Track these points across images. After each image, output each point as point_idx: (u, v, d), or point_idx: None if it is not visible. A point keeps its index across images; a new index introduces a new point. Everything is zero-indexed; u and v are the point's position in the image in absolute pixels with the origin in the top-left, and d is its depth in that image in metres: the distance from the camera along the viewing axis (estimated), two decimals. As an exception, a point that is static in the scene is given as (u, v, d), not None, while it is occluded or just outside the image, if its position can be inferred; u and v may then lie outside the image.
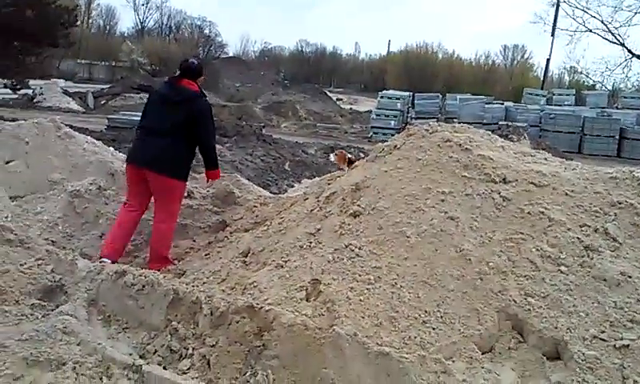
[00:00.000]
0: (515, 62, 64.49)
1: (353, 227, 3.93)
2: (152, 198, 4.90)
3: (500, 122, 26.46)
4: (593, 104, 29.53)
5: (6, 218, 5.02)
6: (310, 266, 3.73)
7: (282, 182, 8.32)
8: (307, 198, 4.85)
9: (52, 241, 4.94)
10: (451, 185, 4.01)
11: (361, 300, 3.42)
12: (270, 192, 7.06)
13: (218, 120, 13.34)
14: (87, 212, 5.27)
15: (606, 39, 36.87)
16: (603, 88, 36.39)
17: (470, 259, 3.59)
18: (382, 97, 27.50)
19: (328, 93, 44.55)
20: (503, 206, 3.88)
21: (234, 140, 11.69)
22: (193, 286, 3.76)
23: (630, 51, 36.53)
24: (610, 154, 23.47)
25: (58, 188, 5.41)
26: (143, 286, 3.64)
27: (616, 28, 35.82)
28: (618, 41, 36.55)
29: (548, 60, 40.07)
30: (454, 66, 58.60)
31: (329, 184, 4.89)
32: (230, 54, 53.53)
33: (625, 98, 31.38)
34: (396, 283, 3.50)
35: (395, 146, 4.50)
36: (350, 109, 41.56)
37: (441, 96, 29.50)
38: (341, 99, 46.32)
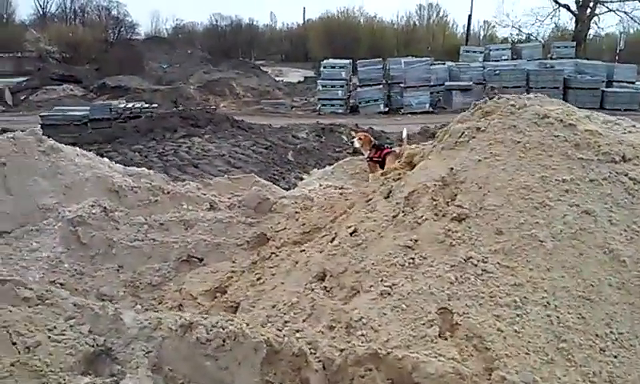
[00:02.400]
0: (432, 20, 64.74)
1: (463, 234, 3.24)
2: None
3: (446, 83, 26.30)
4: (528, 56, 29.87)
5: (-5, 261, 4.01)
6: (429, 290, 3.01)
7: (288, 175, 7.50)
8: (370, 199, 4.10)
9: (60, 283, 4.00)
10: (569, 170, 3.37)
11: (515, 331, 2.75)
12: (280, 187, 6.24)
13: (186, 109, 12.22)
14: (96, 241, 4.32)
15: (533, -10, 37.49)
16: (536, 39, 37.02)
17: (623, 261, 2.98)
18: (324, 67, 26.66)
19: (262, 68, 43.20)
20: (635, 190, 3.28)
21: (209, 130, 10.68)
22: (284, 335, 2.97)
23: (555, 1, 37.27)
24: (557, 105, 23.76)
25: (52, 216, 4.41)
26: (223, 341, 2.83)
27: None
28: (545, -9, 37.16)
29: (470, 16, 40.31)
30: (376, 30, 58.21)
31: (394, 180, 4.15)
32: (142, 34, 50.97)
33: (557, 47, 31.91)
34: (548, 303, 2.86)
35: (478, 128, 3.80)
36: (282, 81, 40.52)
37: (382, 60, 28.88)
38: (266, 72, 45.06)
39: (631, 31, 43.03)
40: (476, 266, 3.06)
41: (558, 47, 31.86)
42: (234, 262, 4.35)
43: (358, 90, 26.48)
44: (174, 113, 11.61)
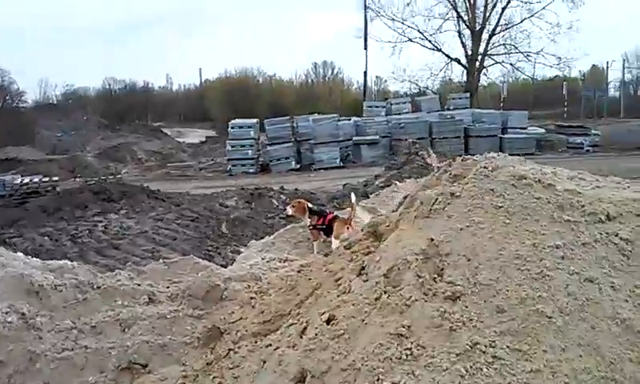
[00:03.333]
0: (327, 77, 66.54)
1: (462, 316, 2.90)
2: None
3: (354, 138, 26.75)
4: (427, 109, 31.21)
5: None
6: (438, 387, 2.62)
7: (224, 249, 6.90)
8: (339, 277, 3.69)
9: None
10: (559, 234, 3.15)
11: (545, 427, 2.40)
12: (216, 264, 5.70)
13: (97, 182, 11.20)
14: (14, 357, 3.57)
15: (425, 47, 39.63)
16: (431, 92, 38.89)
17: (638, 332, 2.75)
18: (231, 127, 26.39)
19: (163, 130, 42.27)
20: (630, 251, 3.11)
21: (124, 204, 9.85)
22: None
23: (447, 55, 39.55)
24: (461, 154, 24.80)
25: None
26: None
27: (431, 34, 38.61)
28: (435, 47, 39.42)
29: (365, 72, 41.80)
30: (275, 88, 58.96)
31: (363, 254, 3.78)
32: (30, 102, 48.59)
33: (453, 98, 33.61)
34: (572, 389, 2.54)
35: (452, 194, 3.53)
36: (184, 142, 39.79)
37: (290, 118, 29.02)
38: (168, 134, 44.20)
39: (510, 80, 46.35)
40: (484, 352, 2.71)
41: (454, 98, 33.56)
42: (184, 364, 3.75)
43: (268, 148, 26.38)
44: (83, 187, 10.66)
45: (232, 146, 25.07)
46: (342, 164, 25.37)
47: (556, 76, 43.31)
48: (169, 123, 52.33)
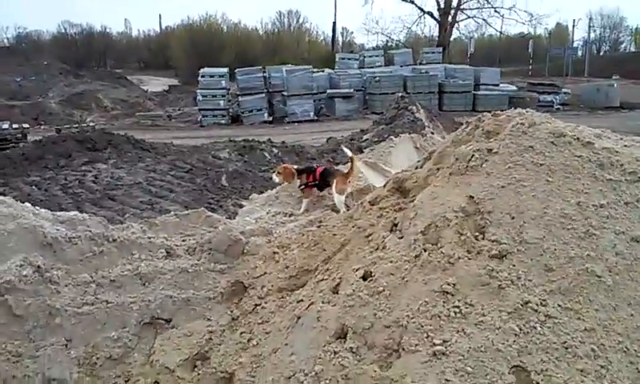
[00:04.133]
0: (292, 27, 65.26)
1: (509, 274, 2.87)
2: None
3: (328, 91, 26.45)
4: (401, 63, 31.01)
5: None
6: (493, 345, 2.61)
7: (225, 202, 6.71)
8: (370, 234, 3.63)
9: (-9, 373, 3.10)
10: (602, 194, 3.14)
11: (607, 387, 2.42)
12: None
13: (81, 130, 10.70)
14: (32, 311, 3.43)
15: (397, -2, 39.04)
16: (403, 45, 38.64)
17: (686, 290, 2.77)
18: (202, 76, 25.72)
19: (128, 77, 41.00)
20: (671, 211, 3.12)
21: (110, 153, 9.47)
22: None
23: (420, 8, 39.21)
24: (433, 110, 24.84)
25: (-32, 284, 3.43)
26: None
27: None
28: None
29: (334, 23, 41.26)
30: (241, 36, 57.56)
31: (394, 210, 3.72)
32: None
33: (426, 53, 33.47)
34: (627, 348, 2.57)
35: (490, 150, 3.47)
36: (148, 90, 38.76)
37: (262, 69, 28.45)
38: (133, 82, 42.97)
39: (475, 36, 46.28)
40: (537, 311, 2.70)
41: (427, 53, 33.41)
42: (209, 320, 3.66)
43: (240, 99, 25.89)
44: (66, 135, 10.21)
45: (203, 96, 24.50)
46: (315, 117, 25.13)
47: (525, 33, 43.54)
48: (128, 71, 50.83)
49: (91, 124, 16.36)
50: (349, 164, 6.14)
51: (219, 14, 55.78)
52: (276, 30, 61.93)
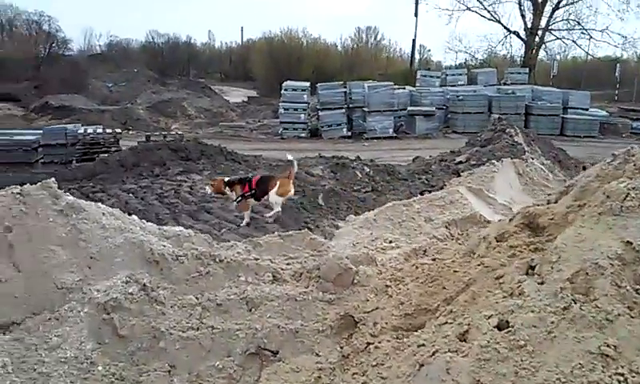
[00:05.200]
0: (369, 44, 65.01)
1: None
2: None
3: (408, 108, 26.03)
4: (484, 82, 30.12)
5: (3, 368, 2.91)
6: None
7: (321, 222, 6.52)
8: (501, 275, 3.26)
9: (97, 396, 2.95)
10: None
11: None
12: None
13: (175, 139, 10.90)
14: (137, 332, 3.27)
15: (484, 17, 38.25)
16: (487, 65, 37.64)
17: None
18: (285, 89, 25.79)
19: (212, 87, 41.97)
20: None
21: (203, 164, 9.52)
22: None
23: (506, 28, 38.14)
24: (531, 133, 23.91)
25: (76, 298, 3.32)
26: None
27: (490, 4, 37.20)
28: (494, 18, 38.03)
29: (414, 40, 40.63)
30: (320, 51, 57.91)
31: (529, 250, 3.33)
32: (74, 51, 49.10)
33: (511, 73, 32.39)
34: None
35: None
36: (229, 101, 39.47)
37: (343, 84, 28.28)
38: (217, 92, 43.98)
39: (558, 57, 44.33)
40: None
41: (512, 73, 32.33)
42: (317, 355, 3.39)
43: (320, 113, 25.83)
44: (162, 144, 10.38)
45: (285, 109, 24.59)
46: (394, 134, 24.70)
47: (614, 56, 41.41)
48: (209, 81, 52.16)
49: (179, 132, 16.71)
50: (289, 169, 6.78)
51: (300, 29, 56.20)
52: (355, 45, 62.03)
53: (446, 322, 3.19)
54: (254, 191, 6.60)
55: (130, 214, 4.30)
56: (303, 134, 24.54)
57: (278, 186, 6.52)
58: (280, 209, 6.63)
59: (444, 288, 3.49)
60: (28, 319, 3.22)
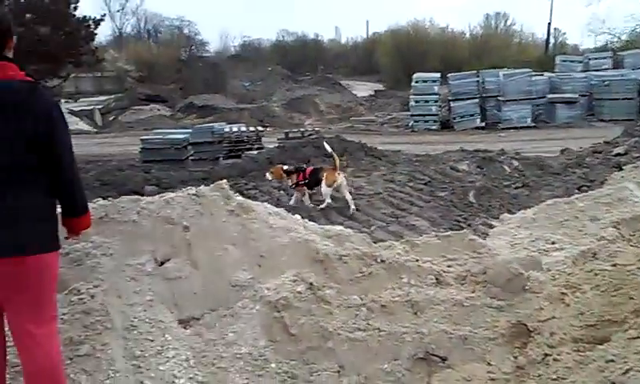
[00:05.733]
0: (499, 29, 61.88)
1: None
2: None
3: (548, 95, 24.57)
4: (632, 65, 27.58)
5: (186, 361, 3.07)
6: None
7: (473, 221, 6.35)
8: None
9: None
10: None
11: None
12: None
13: (318, 136, 11.17)
14: (306, 331, 3.32)
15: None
16: (634, 47, 34.52)
17: None
18: (416, 81, 25.38)
19: (341, 83, 42.41)
20: None
21: (346, 161, 9.66)
22: None
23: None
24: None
25: (248, 295, 3.45)
26: None
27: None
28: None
29: (549, 24, 38.04)
30: (447, 41, 56.20)
31: None
32: (212, 52, 52.01)
33: (664, 55, 29.38)
34: None
35: None
36: (356, 95, 39.58)
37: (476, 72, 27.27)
38: (346, 88, 44.36)
39: None
40: None
41: (662, 56, 29.35)
42: (489, 364, 3.24)
43: (452, 104, 25.16)
44: (305, 141, 10.70)
45: (416, 101, 24.25)
46: (533, 124, 23.41)
47: None
48: (336, 76, 52.88)
49: (316, 128, 17.08)
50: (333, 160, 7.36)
51: (427, 19, 55.12)
52: (483, 32, 59.67)
53: (638, 337, 2.91)
54: (307, 180, 7.37)
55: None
56: (434, 127, 24.06)
57: (325, 177, 7.20)
58: (330, 200, 7.35)
59: (630, 298, 3.19)
60: (206, 315, 3.39)
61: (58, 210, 2.54)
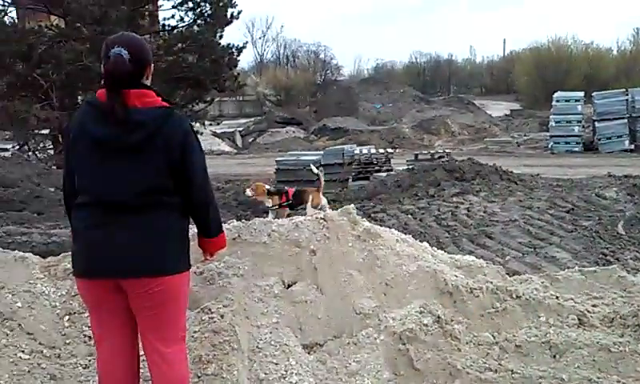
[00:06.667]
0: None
1: None
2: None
3: None
4: None
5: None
6: None
7: (622, 255, 5.83)
8: None
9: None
10: None
11: None
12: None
13: (450, 160, 10.90)
14: (431, 367, 3.16)
15: None
16: None
17: None
18: (557, 100, 23.99)
19: (475, 102, 41.35)
20: None
21: (478, 184, 9.36)
22: None
23: None
24: None
25: (371, 324, 3.36)
26: None
27: None
28: None
29: None
30: (592, 58, 52.52)
31: None
32: (346, 76, 53.21)
33: None
34: None
35: None
36: (490, 115, 38.16)
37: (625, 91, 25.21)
38: (480, 108, 43.04)
39: None
40: None
41: None
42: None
43: (597, 125, 23.46)
44: (436, 164, 10.52)
45: (556, 122, 22.89)
46: (692, 147, 21.12)
47: None
48: (469, 96, 51.63)
49: (447, 150, 16.72)
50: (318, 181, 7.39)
51: (569, 36, 52.23)
52: (633, 48, 55.14)
53: None
54: (290, 202, 7.32)
55: (405, 233, 4.27)
56: (577, 148, 22.54)
57: (311, 198, 7.16)
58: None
59: None
60: (329, 341, 3.35)
61: (191, 230, 2.64)
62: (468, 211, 7.97)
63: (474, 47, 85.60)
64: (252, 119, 34.18)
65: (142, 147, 2.28)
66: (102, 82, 2.33)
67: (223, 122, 28.19)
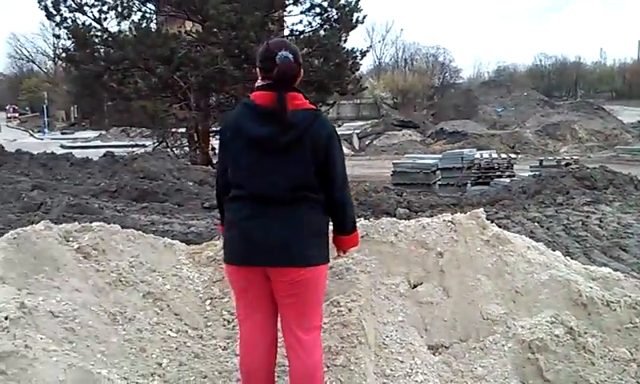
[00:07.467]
0: None
1: None
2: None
3: None
4: None
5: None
6: None
7: None
8: None
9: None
10: None
11: None
12: None
13: (581, 167, 10.31)
14: (562, 378, 3.10)
15: None
16: None
17: None
18: None
19: (605, 108, 38.74)
20: None
21: (611, 194, 8.84)
22: None
23: None
24: None
25: (499, 331, 3.33)
26: None
27: None
28: None
29: None
30: None
31: None
32: (464, 78, 52.05)
33: None
34: None
35: None
36: (622, 121, 35.43)
37: None
38: (610, 113, 40.18)
39: None
40: None
41: None
42: None
43: None
44: (566, 172, 10.04)
45: None
46: None
47: None
48: (598, 101, 48.41)
49: (574, 157, 15.84)
50: None
51: None
52: None
53: None
54: None
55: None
56: None
57: None
58: None
59: None
60: (455, 344, 3.35)
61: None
62: (600, 222, 7.48)
63: (604, 50, 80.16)
64: (369, 122, 34.38)
65: (292, 147, 2.43)
66: (257, 85, 2.52)
67: (343, 125, 28.65)
